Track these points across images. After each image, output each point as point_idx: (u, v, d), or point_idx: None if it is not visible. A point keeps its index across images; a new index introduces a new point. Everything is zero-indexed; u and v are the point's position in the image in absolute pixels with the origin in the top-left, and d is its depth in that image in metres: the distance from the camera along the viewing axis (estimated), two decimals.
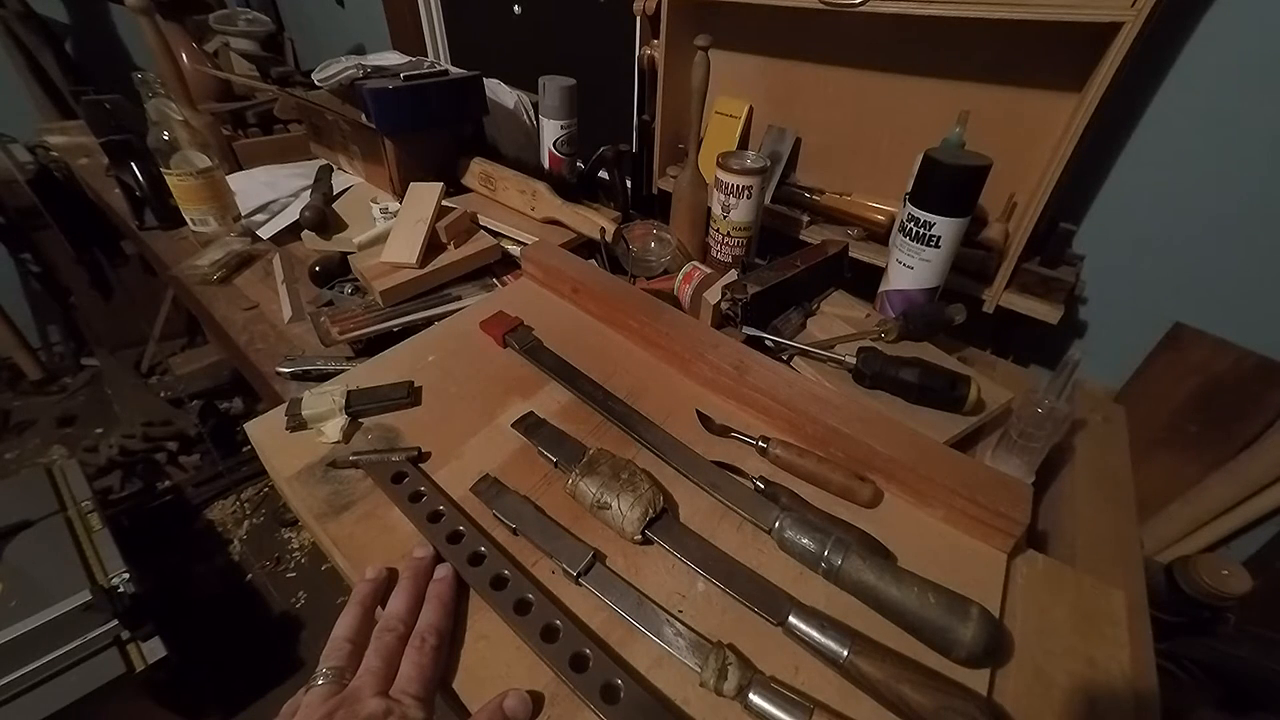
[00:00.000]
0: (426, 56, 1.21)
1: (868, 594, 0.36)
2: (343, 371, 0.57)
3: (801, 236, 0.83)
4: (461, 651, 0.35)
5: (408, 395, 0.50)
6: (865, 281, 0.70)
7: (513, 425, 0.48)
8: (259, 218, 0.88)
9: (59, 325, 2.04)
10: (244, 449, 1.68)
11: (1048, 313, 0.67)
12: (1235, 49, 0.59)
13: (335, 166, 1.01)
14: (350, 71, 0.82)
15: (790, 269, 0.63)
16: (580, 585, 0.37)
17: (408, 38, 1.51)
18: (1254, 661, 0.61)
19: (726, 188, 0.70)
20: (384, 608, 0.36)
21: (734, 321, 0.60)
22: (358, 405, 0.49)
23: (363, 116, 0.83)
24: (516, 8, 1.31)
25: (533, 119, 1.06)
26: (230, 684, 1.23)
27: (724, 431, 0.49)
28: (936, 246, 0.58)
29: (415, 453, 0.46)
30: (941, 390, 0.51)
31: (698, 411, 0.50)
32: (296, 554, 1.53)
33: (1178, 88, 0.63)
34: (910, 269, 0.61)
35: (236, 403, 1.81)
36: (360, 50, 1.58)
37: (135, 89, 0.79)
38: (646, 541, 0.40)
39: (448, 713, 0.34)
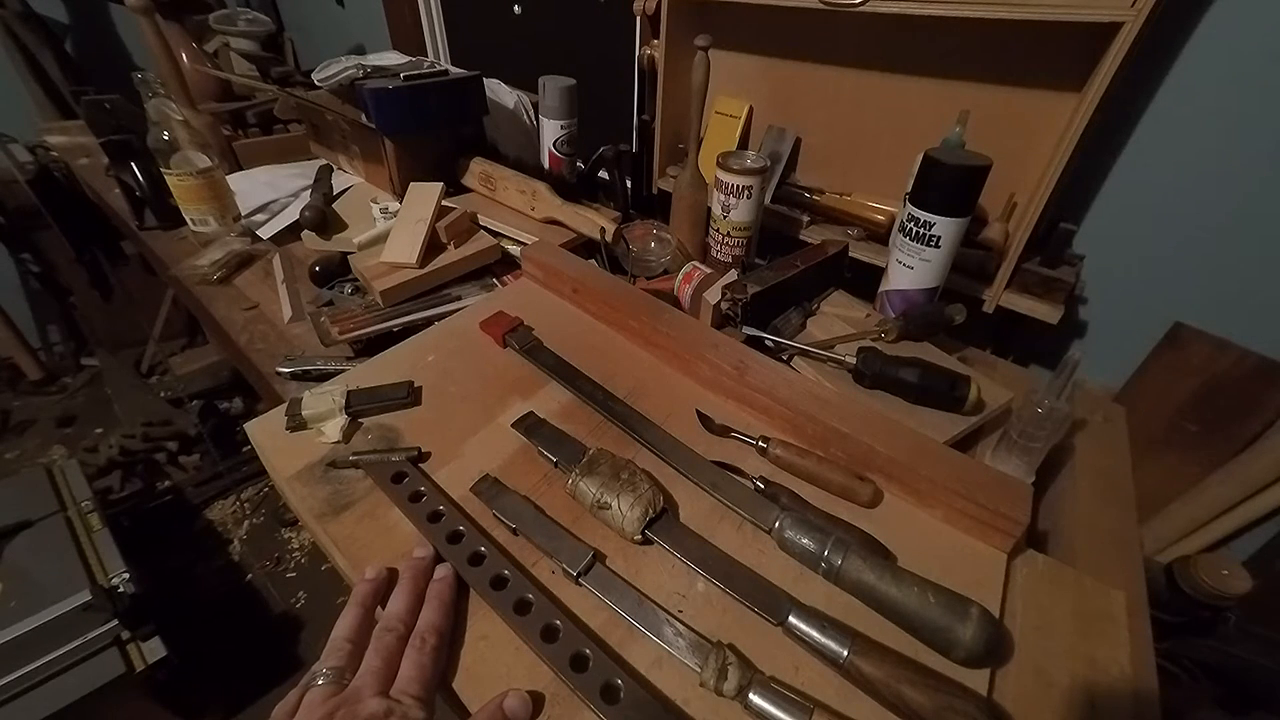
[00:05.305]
0: (426, 56, 1.21)
1: (868, 594, 0.36)
2: (343, 371, 0.57)
3: (801, 236, 0.83)
4: (461, 651, 0.35)
5: (408, 395, 0.50)
6: (865, 281, 0.70)
7: (513, 425, 0.48)
8: (259, 218, 0.88)
9: (59, 325, 2.04)
10: (244, 449, 1.68)
11: (1048, 313, 0.67)
12: (1235, 49, 0.58)
13: (335, 166, 1.01)
14: (350, 71, 0.82)
15: (790, 269, 0.63)
16: (580, 585, 0.37)
17: (408, 38, 1.51)
18: (1254, 661, 0.61)
19: (726, 188, 0.70)
20: (384, 608, 0.36)
21: (734, 321, 0.60)
22: (358, 405, 0.49)
23: (363, 116, 0.83)
24: (516, 8, 1.31)
25: (533, 119, 1.06)
26: (230, 684, 1.23)
27: (724, 431, 0.49)
28: (936, 246, 0.58)
29: (415, 453, 0.46)
30: (941, 390, 0.51)
31: (698, 411, 0.50)
32: (296, 554, 1.53)
33: (1178, 88, 0.63)
34: (910, 269, 0.61)
35: (236, 403, 1.81)
36: (360, 50, 1.58)
37: (135, 89, 0.79)
38: (646, 541, 0.40)
39: (448, 713, 0.34)
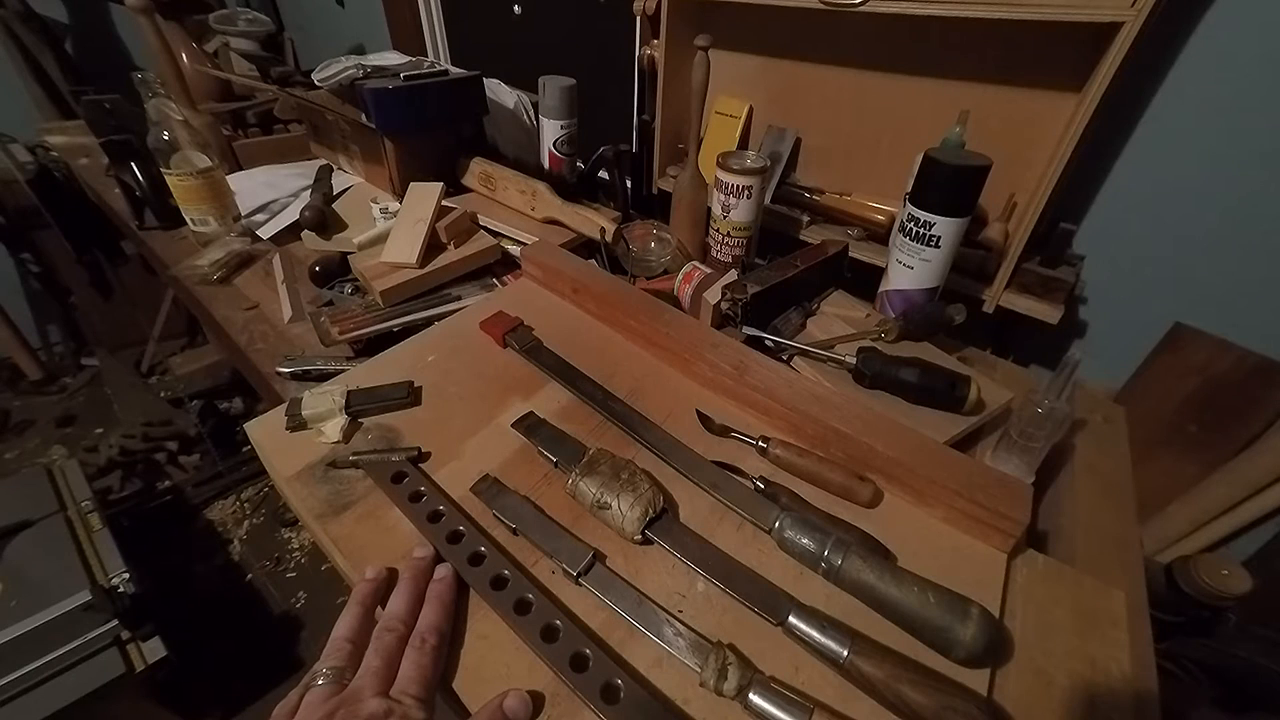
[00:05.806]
0: (426, 56, 1.21)
1: (868, 594, 0.36)
2: (343, 371, 0.57)
3: (801, 236, 0.83)
4: (461, 651, 0.35)
5: (408, 395, 0.50)
6: (865, 281, 0.70)
7: (513, 425, 0.48)
8: (259, 218, 0.88)
9: (59, 325, 2.04)
10: (244, 449, 1.68)
11: (1048, 313, 0.67)
12: (1235, 49, 0.59)
13: (335, 166, 1.01)
14: (350, 71, 0.82)
15: (790, 269, 0.63)
16: (580, 585, 0.37)
17: (408, 38, 1.51)
18: (1254, 661, 0.61)
19: (726, 188, 0.70)
20: (384, 608, 0.36)
21: (734, 321, 0.60)
22: (358, 405, 0.49)
23: (363, 116, 0.83)
24: (516, 8, 1.31)
25: (533, 119, 1.06)
26: (230, 684, 1.23)
27: (724, 431, 0.49)
28: (936, 246, 0.58)
29: (415, 453, 0.46)
30: (941, 390, 0.51)
31: (698, 411, 0.50)
32: (296, 554, 1.53)
33: (1178, 88, 0.63)
34: (910, 269, 0.61)
35: (236, 403, 1.81)
36: (360, 50, 1.58)
37: (135, 89, 0.78)
38: (646, 541, 0.40)
39: (448, 713, 0.34)
